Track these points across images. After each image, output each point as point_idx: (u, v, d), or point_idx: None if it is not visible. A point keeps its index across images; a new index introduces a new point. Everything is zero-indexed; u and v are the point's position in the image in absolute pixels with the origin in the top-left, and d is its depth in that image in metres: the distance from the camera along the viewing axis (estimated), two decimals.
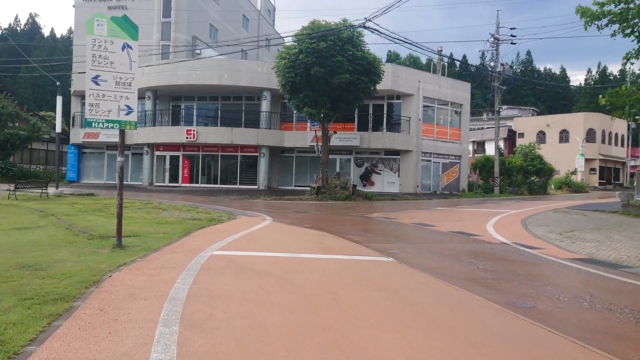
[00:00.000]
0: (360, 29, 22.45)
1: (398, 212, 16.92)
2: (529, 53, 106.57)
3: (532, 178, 35.76)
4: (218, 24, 35.78)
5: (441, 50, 33.26)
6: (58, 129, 20.94)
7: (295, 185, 30.44)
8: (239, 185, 29.84)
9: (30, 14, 77.02)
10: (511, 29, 31.63)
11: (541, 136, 54.55)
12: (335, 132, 25.10)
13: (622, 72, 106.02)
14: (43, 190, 18.99)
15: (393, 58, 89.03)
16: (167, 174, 30.57)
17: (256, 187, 29.34)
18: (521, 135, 55.87)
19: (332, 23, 22.16)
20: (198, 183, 30.26)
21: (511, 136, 56.68)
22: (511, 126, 58.05)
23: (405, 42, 16.90)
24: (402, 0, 15.94)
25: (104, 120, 7.66)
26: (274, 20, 54.89)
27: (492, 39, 31.94)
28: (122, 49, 7.73)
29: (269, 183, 29.69)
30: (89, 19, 7.54)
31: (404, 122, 29.27)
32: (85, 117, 7.96)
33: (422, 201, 24.17)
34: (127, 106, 7.81)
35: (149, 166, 30.51)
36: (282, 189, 29.48)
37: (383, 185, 29.50)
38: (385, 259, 7.90)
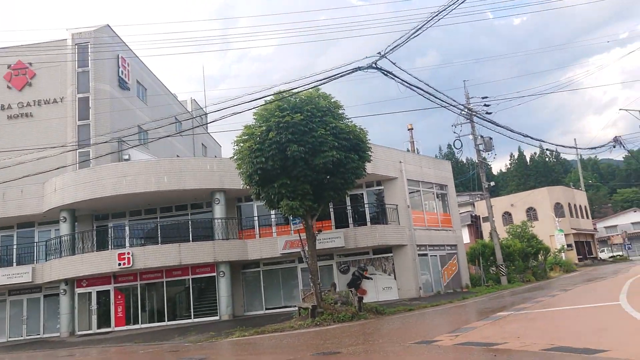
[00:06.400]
0: (336, 100, 17.80)
1: (464, 331, 10.97)
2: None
3: (533, 262, 31.20)
4: (148, 126, 30.21)
5: (412, 129, 29.46)
6: None
7: (266, 309, 23.63)
8: (194, 318, 22.57)
9: None
10: (483, 98, 28.53)
11: (507, 217, 51.46)
12: (320, 231, 19.29)
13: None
14: None
15: None
16: (94, 317, 22.88)
17: (217, 317, 22.27)
18: (485, 219, 52.44)
19: (302, 92, 17.30)
20: (138, 323, 22.69)
21: (475, 222, 53.19)
22: (472, 212, 54.79)
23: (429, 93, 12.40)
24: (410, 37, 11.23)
25: None
26: (206, 129, 50.29)
27: (465, 111, 28.52)
28: None
29: (234, 310, 22.75)
30: None
31: (391, 211, 24.09)
32: None
33: (446, 307, 18.35)
34: None
35: (69, 309, 22.75)
36: (252, 316, 22.57)
37: (377, 292, 23.43)
38: None
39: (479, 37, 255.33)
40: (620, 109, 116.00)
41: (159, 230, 24.31)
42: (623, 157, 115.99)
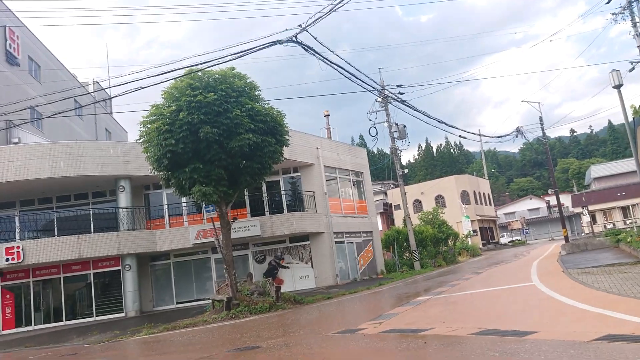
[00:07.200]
0: (252, 80, 16.81)
1: (387, 318, 10.65)
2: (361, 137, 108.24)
3: (443, 247, 32.21)
4: (43, 108, 27.34)
5: (328, 115, 29.11)
6: None
7: (178, 303, 22.31)
8: (97, 316, 20.76)
9: None
10: (398, 86, 28.70)
11: (418, 205, 53.04)
12: (236, 219, 18.29)
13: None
14: None
15: None
16: None
17: (123, 314, 20.63)
18: (397, 207, 53.80)
19: (216, 70, 16.16)
20: (31, 325, 20.49)
21: (387, 210, 54.40)
22: (385, 199, 56.00)
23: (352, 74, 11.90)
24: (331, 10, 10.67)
25: None
26: (111, 112, 46.86)
27: (381, 98, 28.59)
28: None
29: (141, 306, 21.20)
30: None
31: (308, 198, 23.58)
32: None
33: (364, 294, 18.16)
34: None
35: None
36: (162, 312, 21.16)
37: (295, 281, 22.89)
38: None
39: (388, 33, 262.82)
40: (522, 101, 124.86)
41: (55, 221, 22.05)
42: (518, 149, 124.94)
